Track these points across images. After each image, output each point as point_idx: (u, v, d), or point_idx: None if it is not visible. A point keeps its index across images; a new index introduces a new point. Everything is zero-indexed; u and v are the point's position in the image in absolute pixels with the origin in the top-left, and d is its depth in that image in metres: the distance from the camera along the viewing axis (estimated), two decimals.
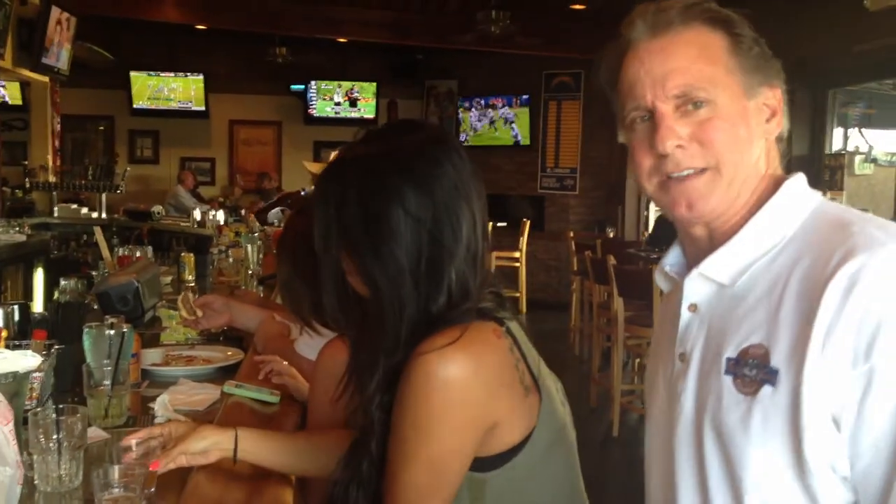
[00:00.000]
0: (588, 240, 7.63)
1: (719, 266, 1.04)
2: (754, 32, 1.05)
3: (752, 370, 0.96)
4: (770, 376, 0.94)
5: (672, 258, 1.17)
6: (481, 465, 1.19)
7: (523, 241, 9.33)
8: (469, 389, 1.13)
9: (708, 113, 1.01)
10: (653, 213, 9.18)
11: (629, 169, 1.08)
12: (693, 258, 1.11)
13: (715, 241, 1.06)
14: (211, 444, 1.38)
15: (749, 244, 1.02)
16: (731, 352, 0.99)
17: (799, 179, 1.05)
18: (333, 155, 1.31)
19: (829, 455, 0.91)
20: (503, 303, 1.25)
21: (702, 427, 1.02)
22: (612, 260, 5.14)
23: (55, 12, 6.93)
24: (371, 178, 1.18)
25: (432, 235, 1.17)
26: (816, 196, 1.05)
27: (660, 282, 1.20)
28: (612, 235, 8.89)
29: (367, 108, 11.00)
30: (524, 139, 10.03)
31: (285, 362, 2.03)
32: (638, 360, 6.07)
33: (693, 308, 1.07)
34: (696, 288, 1.07)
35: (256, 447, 1.41)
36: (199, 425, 1.42)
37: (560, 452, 1.27)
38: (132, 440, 1.36)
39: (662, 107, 1.02)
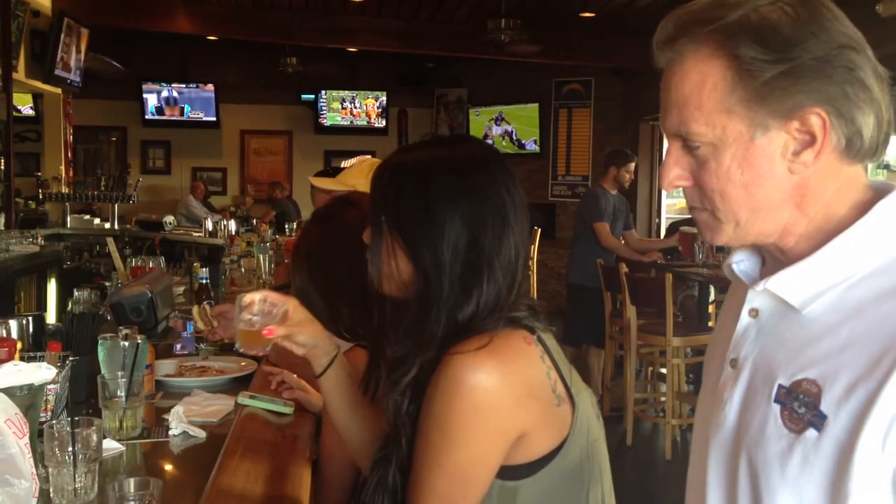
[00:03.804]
0: None
1: (790, 285, 0.94)
2: (795, 35, 0.88)
3: (802, 407, 0.89)
4: (818, 420, 0.88)
5: (742, 255, 1.06)
6: (512, 473, 1.18)
7: (534, 249, 9.29)
8: (496, 397, 1.13)
9: (704, 153, 0.93)
10: (664, 220, 9.16)
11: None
12: (769, 262, 1.03)
13: (786, 253, 0.97)
14: (313, 346, 1.38)
15: (825, 267, 0.92)
16: (784, 379, 0.92)
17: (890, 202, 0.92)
18: (390, 155, 1.34)
19: None
20: (537, 315, 1.25)
21: (739, 448, 0.97)
22: (624, 268, 5.12)
23: (68, 24, 6.98)
24: (430, 178, 1.23)
25: (475, 240, 1.20)
26: None
27: (729, 276, 1.10)
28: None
29: (377, 118, 11.03)
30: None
31: (295, 375, 2.02)
32: (651, 369, 6.04)
33: (754, 313, 0.99)
34: (761, 297, 0.99)
35: (341, 381, 1.42)
36: (315, 320, 1.41)
37: (594, 465, 1.26)
38: (255, 295, 1.37)
39: (670, 139, 0.97)
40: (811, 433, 0.88)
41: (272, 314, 1.36)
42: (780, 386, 0.93)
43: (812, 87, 0.88)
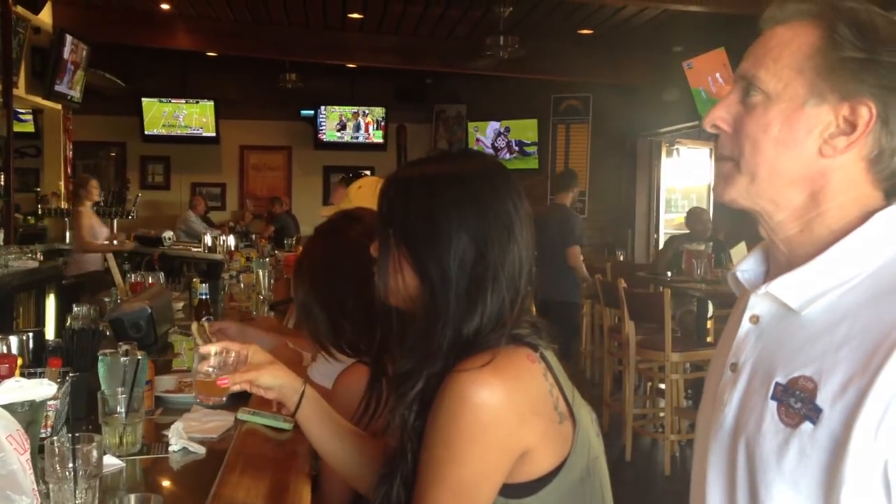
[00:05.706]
0: (598, 263, 7.61)
1: (790, 288, 0.99)
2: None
3: (798, 402, 0.93)
4: (813, 413, 0.91)
5: (748, 264, 1.11)
6: (514, 491, 1.18)
7: None
8: (500, 415, 1.13)
9: (756, 102, 0.99)
10: (662, 236, 9.18)
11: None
12: (773, 271, 1.07)
13: (792, 260, 1.02)
14: (279, 386, 1.39)
15: (825, 272, 0.97)
16: (781, 377, 0.97)
17: (893, 212, 0.97)
18: (398, 168, 1.35)
19: None
20: (539, 332, 1.26)
21: (737, 445, 1.00)
22: (622, 283, 5.13)
23: (68, 41, 7.01)
24: (437, 192, 1.23)
25: (481, 254, 1.21)
26: None
27: (732, 285, 1.15)
28: (621, 258, 8.87)
29: (376, 133, 11.06)
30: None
31: None
32: (650, 384, 6.03)
33: (754, 319, 1.04)
34: (762, 303, 1.04)
35: (316, 413, 1.42)
36: (276, 361, 1.42)
37: (595, 482, 1.26)
38: (210, 348, 1.38)
39: (734, 84, 1.03)
40: (807, 426, 0.92)
41: (228, 364, 1.38)
42: (777, 384, 0.97)
43: (877, 83, 0.94)
